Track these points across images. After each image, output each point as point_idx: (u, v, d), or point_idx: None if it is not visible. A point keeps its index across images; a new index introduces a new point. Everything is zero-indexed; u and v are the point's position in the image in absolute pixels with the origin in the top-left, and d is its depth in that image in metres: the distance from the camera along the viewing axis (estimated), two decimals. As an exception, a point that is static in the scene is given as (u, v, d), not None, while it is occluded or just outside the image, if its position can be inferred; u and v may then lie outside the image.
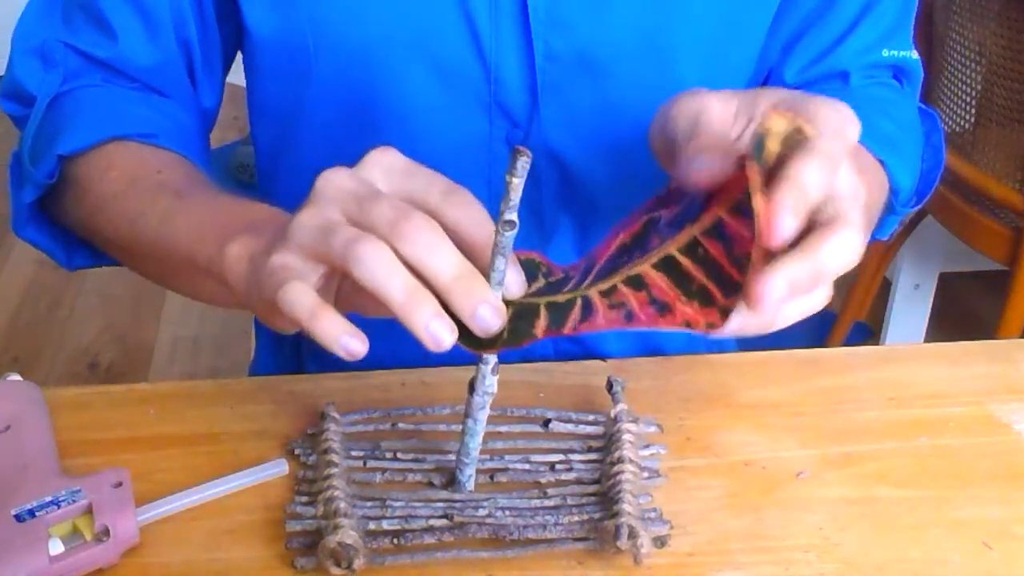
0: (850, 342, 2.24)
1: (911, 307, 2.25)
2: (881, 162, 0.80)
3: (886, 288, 2.25)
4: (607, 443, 0.68)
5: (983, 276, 2.30)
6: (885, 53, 0.86)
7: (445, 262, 0.52)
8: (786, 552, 0.62)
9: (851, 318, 2.22)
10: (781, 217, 0.52)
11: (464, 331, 0.53)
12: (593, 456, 0.68)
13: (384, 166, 0.55)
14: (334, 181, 0.54)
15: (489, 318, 0.53)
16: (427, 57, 0.77)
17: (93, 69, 0.81)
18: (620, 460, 0.65)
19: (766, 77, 0.87)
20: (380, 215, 0.52)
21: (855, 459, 0.69)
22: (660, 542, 0.61)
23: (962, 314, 2.44)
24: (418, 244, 0.51)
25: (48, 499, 0.59)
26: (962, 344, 0.81)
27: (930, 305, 2.25)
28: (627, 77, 0.80)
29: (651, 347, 0.89)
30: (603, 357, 0.77)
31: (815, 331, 2.38)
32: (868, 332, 2.36)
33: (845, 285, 2.28)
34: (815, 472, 0.68)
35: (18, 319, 2.50)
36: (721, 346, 0.97)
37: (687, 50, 0.80)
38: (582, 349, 0.86)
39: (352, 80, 0.79)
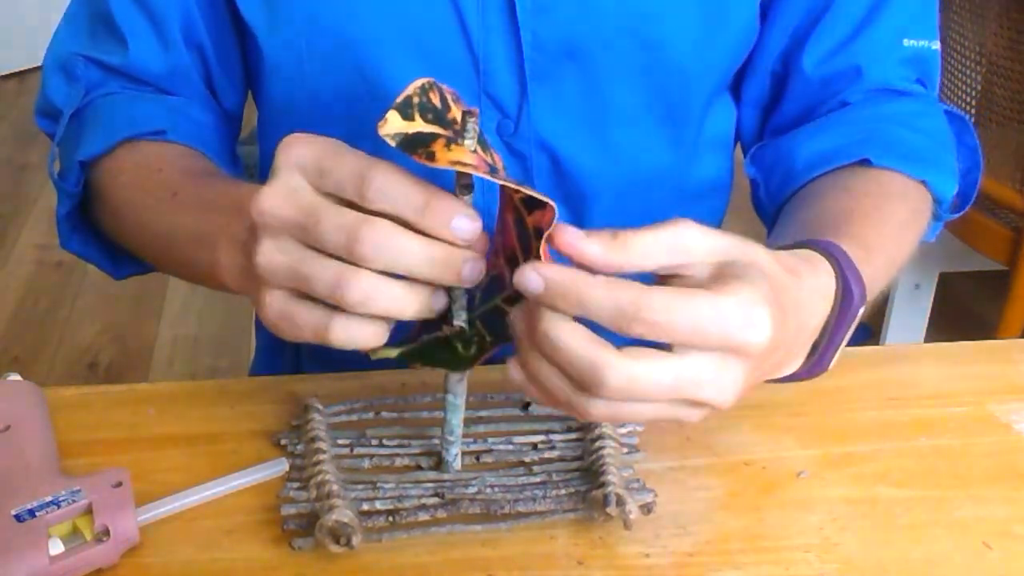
0: (850, 342, 2.24)
1: (911, 307, 2.25)
2: (923, 181, 0.80)
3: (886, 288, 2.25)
4: (586, 422, 0.69)
5: (983, 276, 2.29)
6: (906, 43, 0.85)
7: (410, 255, 0.53)
8: (786, 552, 0.62)
9: (851, 318, 2.21)
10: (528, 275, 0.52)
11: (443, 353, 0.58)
12: (573, 435, 0.69)
13: (300, 165, 0.55)
14: (268, 210, 0.55)
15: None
16: (416, 48, 0.78)
17: (111, 78, 0.83)
18: (601, 436, 0.67)
19: (784, 67, 0.86)
20: (332, 242, 0.53)
21: (855, 459, 0.69)
22: (647, 509, 0.63)
23: (962, 314, 2.44)
24: (379, 258, 0.53)
25: (48, 499, 0.59)
26: (962, 344, 0.81)
27: (930, 305, 2.25)
28: (615, 64, 0.80)
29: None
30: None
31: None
32: (868, 332, 2.36)
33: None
34: (815, 472, 0.68)
35: (18, 319, 2.49)
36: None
37: (674, 36, 0.80)
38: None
39: (343, 73, 0.79)
